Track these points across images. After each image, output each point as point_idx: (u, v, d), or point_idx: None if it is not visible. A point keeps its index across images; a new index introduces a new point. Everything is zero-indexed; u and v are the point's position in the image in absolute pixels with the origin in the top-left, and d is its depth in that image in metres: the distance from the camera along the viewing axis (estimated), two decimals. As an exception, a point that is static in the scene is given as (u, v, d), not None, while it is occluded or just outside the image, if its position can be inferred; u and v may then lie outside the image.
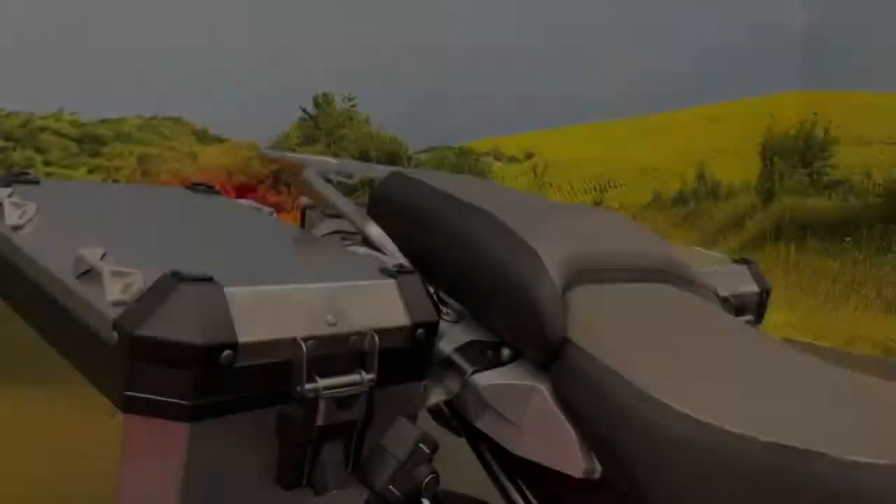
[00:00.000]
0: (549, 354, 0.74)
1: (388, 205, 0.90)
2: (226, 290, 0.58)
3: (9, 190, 0.78)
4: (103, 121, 1.08)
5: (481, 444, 0.81)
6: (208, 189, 0.97)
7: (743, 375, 0.71)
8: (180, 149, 1.17)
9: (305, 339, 0.60)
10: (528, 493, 0.79)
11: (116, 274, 0.59)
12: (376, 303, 0.68)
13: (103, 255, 0.62)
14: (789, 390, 0.68)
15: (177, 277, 0.57)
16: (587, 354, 0.71)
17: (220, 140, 1.20)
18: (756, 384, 0.69)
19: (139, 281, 0.59)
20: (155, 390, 0.55)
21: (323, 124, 1.32)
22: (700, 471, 0.63)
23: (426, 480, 0.69)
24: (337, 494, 0.67)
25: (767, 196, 3.18)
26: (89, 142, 1.08)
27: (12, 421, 0.75)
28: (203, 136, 1.18)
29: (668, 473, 0.65)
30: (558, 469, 0.73)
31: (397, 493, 0.68)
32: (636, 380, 0.68)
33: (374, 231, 0.86)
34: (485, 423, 0.78)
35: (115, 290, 0.58)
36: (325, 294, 0.65)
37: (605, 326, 0.74)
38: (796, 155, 3.20)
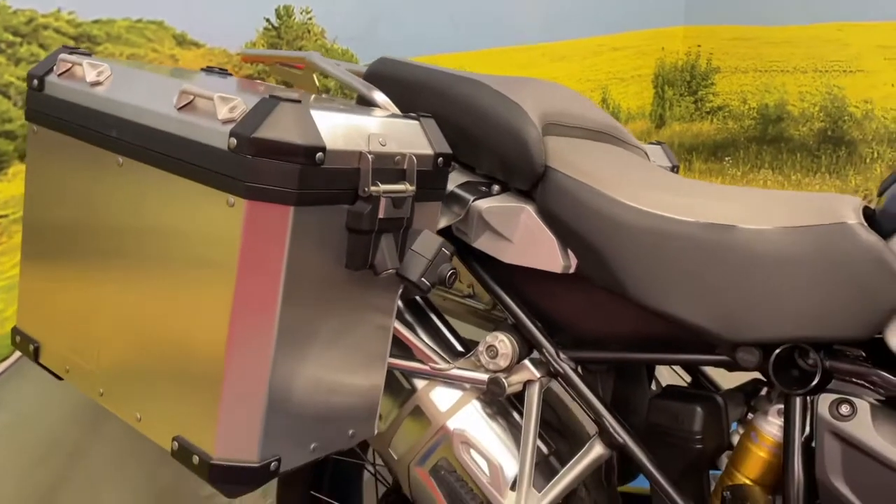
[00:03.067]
0: (534, 182, 0.96)
1: (382, 80, 1.07)
2: (310, 111, 0.76)
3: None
4: (96, 21, 1.12)
5: (477, 264, 1.02)
6: (222, 71, 1.11)
7: (677, 187, 0.96)
8: (162, 51, 1.23)
9: (368, 153, 0.79)
10: (516, 295, 1.01)
11: (222, 99, 0.76)
12: (408, 136, 0.87)
13: (196, 93, 0.78)
14: (710, 194, 0.93)
15: (275, 98, 0.75)
16: (566, 175, 0.94)
17: (196, 45, 1.27)
18: (687, 192, 0.94)
19: (241, 104, 0.76)
20: (269, 181, 0.73)
21: (284, 35, 1.41)
22: (654, 248, 0.87)
23: (448, 274, 0.90)
24: (387, 278, 0.88)
25: (660, 122, 3.54)
26: (86, 41, 1.12)
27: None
28: (182, 41, 1.24)
29: (634, 254, 0.88)
30: (542, 268, 0.96)
31: (427, 283, 0.89)
32: (606, 190, 0.91)
33: (381, 97, 1.04)
34: (482, 242, 0.99)
35: (224, 111, 0.75)
36: (376, 123, 0.83)
37: (577, 158, 0.97)
38: (683, 84, 3.56)
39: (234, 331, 0.78)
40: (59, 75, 0.93)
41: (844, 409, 0.78)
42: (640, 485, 1.24)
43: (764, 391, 0.96)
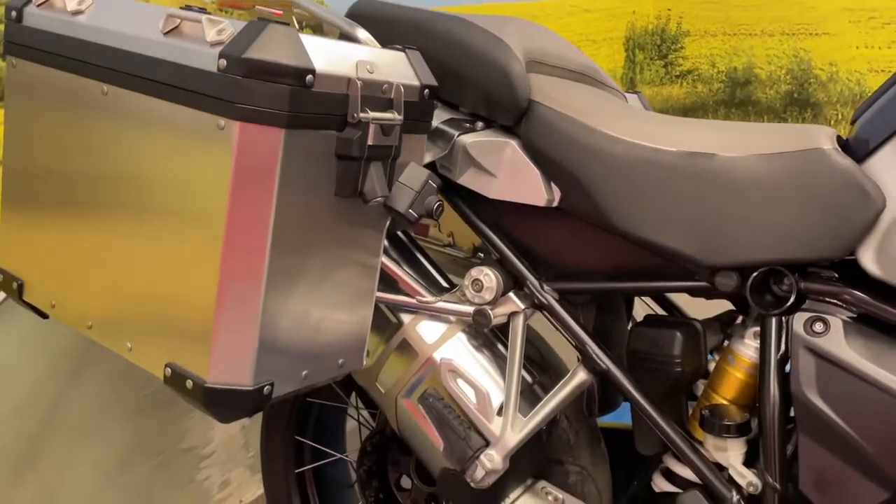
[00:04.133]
0: (518, 116, 0.97)
1: (363, 19, 1.07)
2: (299, 35, 0.76)
3: None
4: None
5: (461, 201, 1.04)
6: (201, 10, 1.10)
7: (658, 121, 0.98)
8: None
9: (357, 79, 0.80)
10: (500, 232, 1.03)
11: (211, 21, 0.75)
12: (394, 66, 0.88)
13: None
14: (690, 126, 0.96)
15: (263, 21, 0.75)
16: (550, 109, 0.95)
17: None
18: (668, 124, 0.96)
19: (230, 27, 0.75)
20: (259, 102, 0.73)
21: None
22: (637, 177, 0.90)
23: (435, 206, 0.91)
24: (374, 211, 0.89)
25: (630, 85, 3.57)
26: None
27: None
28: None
29: (617, 183, 0.91)
30: (526, 202, 0.98)
31: (415, 214, 0.90)
32: (590, 122, 0.93)
33: (364, 34, 1.03)
34: (466, 178, 1.00)
35: (213, 33, 0.75)
36: (363, 51, 0.84)
37: (560, 94, 0.98)
38: (654, 48, 3.59)
39: (226, 255, 0.78)
40: (38, 6, 0.91)
41: (818, 326, 0.82)
42: (619, 419, 1.28)
43: (739, 320, 1.00)
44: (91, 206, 0.90)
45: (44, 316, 1.01)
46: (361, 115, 0.80)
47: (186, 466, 1.66)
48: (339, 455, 1.42)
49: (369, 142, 0.82)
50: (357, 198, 0.84)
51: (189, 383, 0.81)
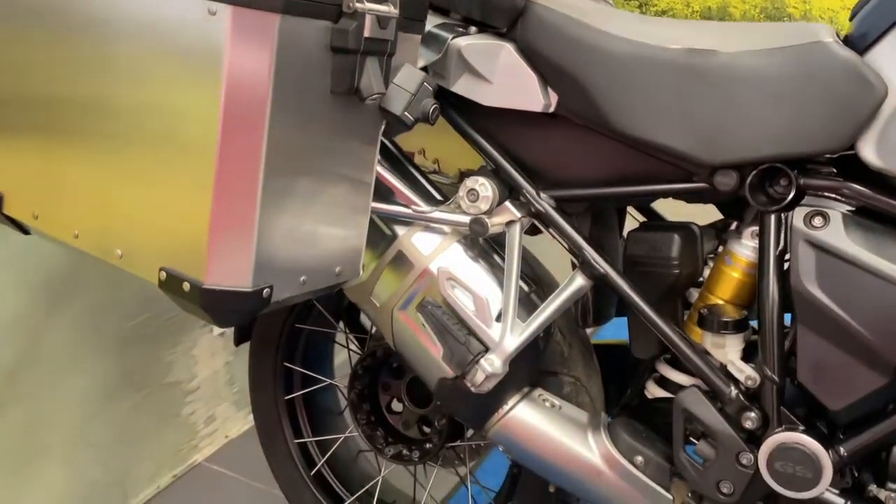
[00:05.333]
0: (514, 18, 0.95)
1: None
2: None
3: None
4: None
5: (455, 112, 1.02)
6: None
7: (657, 22, 0.96)
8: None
9: (352, -32, 0.77)
10: (494, 142, 1.01)
11: None
12: (388, -40, 0.85)
13: None
14: (690, 26, 0.94)
15: None
16: (548, 8, 0.93)
17: None
18: (667, 25, 0.95)
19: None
20: (254, -15, 0.70)
21: None
22: (637, 75, 0.88)
23: (431, 109, 0.89)
24: (370, 113, 0.86)
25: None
26: None
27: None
28: None
29: (617, 82, 0.89)
30: (522, 108, 0.96)
31: (411, 117, 0.88)
32: (589, 21, 0.91)
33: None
34: (460, 85, 0.98)
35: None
36: (357, -60, 0.81)
37: None
38: (629, -13, 3.55)
39: (222, 155, 0.76)
40: None
41: (818, 220, 0.82)
42: (612, 336, 1.29)
43: (734, 226, 1.00)
44: (76, 106, 0.86)
45: (25, 231, 0.98)
46: (357, 4, 0.77)
47: (171, 401, 1.64)
48: (328, 381, 1.42)
49: (365, 34, 0.79)
50: (353, 96, 0.82)
51: (186, 286, 0.79)
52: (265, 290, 0.81)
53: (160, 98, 0.78)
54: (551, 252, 1.20)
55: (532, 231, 1.05)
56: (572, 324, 1.14)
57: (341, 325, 1.41)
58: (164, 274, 0.81)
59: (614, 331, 1.26)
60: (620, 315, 1.18)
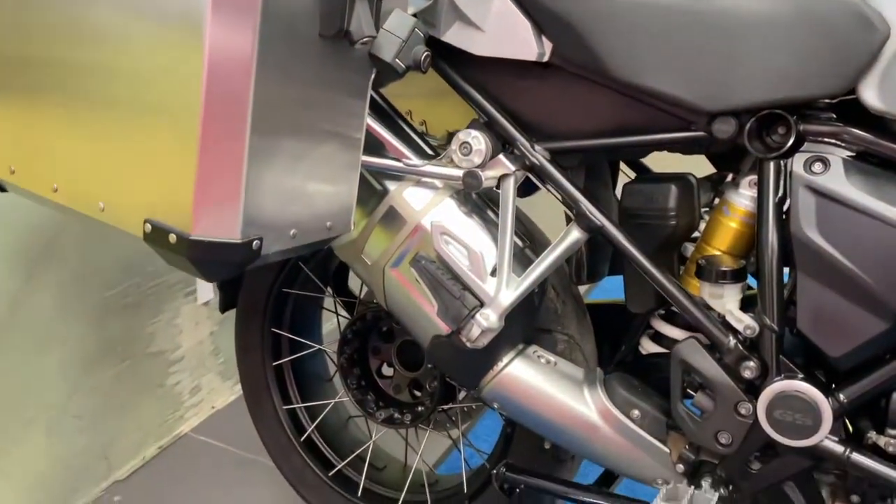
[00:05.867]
0: None
1: None
2: None
3: None
4: None
5: (446, 63, 0.99)
6: None
7: None
8: None
9: None
10: (487, 94, 0.98)
11: None
12: None
13: None
14: None
15: None
16: None
17: None
18: None
19: None
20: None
21: None
22: (634, 20, 0.86)
23: (423, 57, 0.87)
24: (359, 60, 0.83)
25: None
26: None
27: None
28: None
29: (614, 28, 0.86)
30: (515, 57, 0.93)
31: (402, 65, 0.85)
32: None
33: None
34: (451, 34, 0.95)
35: None
36: None
37: None
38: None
39: (207, 101, 0.73)
40: None
41: (817, 166, 0.81)
42: (605, 296, 1.28)
43: (730, 178, 0.99)
44: (55, 70, 0.82)
45: (1, 189, 0.94)
46: (348, -58, 0.74)
47: (155, 371, 1.61)
48: (317, 346, 1.40)
49: (354, -25, 0.76)
50: (342, 41, 0.79)
51: (172, 237, 0.76)
52: (255, 243, 0.78)
53: (144, 48, 0.75)
54: (541, 218, 1.18)
55: (522, 192, 1.03)
56: (566, 281, 1.12)
57: (329, 291, 1.39)
58: (148, 226, 0.78)
59: (606, 294, 1.26)
60: (613, 273, 1.17)
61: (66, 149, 0.83)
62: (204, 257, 0.76)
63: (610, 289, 1.12)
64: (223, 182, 0.75)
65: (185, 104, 0.73)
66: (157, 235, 0.77)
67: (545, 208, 1.19)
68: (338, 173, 0.89)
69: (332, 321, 1.43)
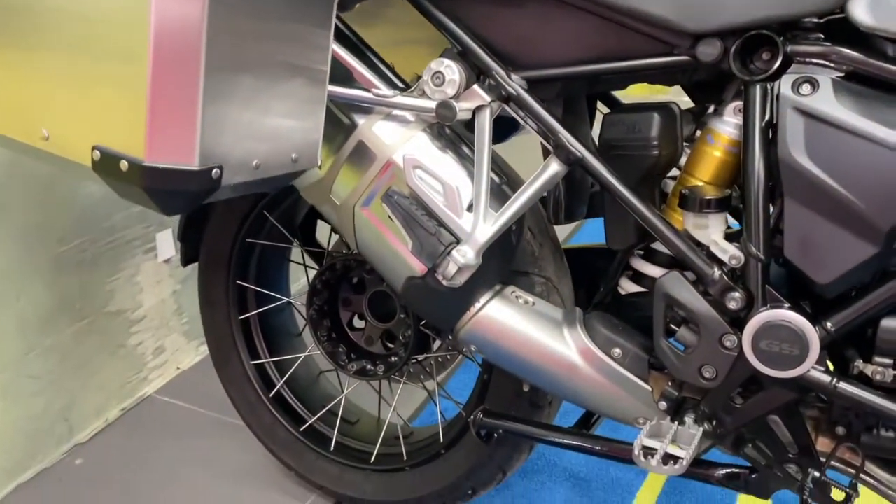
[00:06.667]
0: None
1: None
2: None
3: None
4: None
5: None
6: None
7: None
8: None
9: None
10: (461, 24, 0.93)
11: None
12: None
13: None
14: None
15: None
16: None
17: None
18: None
19: None
20: None
21: None
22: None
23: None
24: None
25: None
26: None
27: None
28: None
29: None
30: None
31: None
32: None
33: None
34: (422, -43, 0.90)
35: None
36: None
37: None
38: None
39: (157, 13, 0.66)
40: None
41: (805, 87, 0.78)
42: (581, 240, 1.25)
43: (711, 109, 0.96)
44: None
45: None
46: None
47: (115, 331, 1.55)
48: (284, 299, 1.34)
49: None
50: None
51: (123, 165, 0.70)
52: (214, 171, 0.73)
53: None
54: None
55: (496, 138, 0.99)
56: (542, 223, 1.09)
57: (296, 242, 1.33)
58: (97, 153, 0.72)
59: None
60: (591, 216, 1.13)
61: (4, 75, 0.76)
62: (159, 186, 0.70)
63: (589, 231, 1.09)
64: (178, 105, 0.70)
65: (134, 21, 0.67)
66: (106, 163, 0.71)
67: (516, 164, 1.15)
68: (303, 106, 0.83)
69: (301, 278, 1.38)
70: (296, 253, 1.37)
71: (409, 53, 1.10)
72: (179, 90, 0.69)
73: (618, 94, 1.11)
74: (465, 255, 0.89)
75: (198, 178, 0.71)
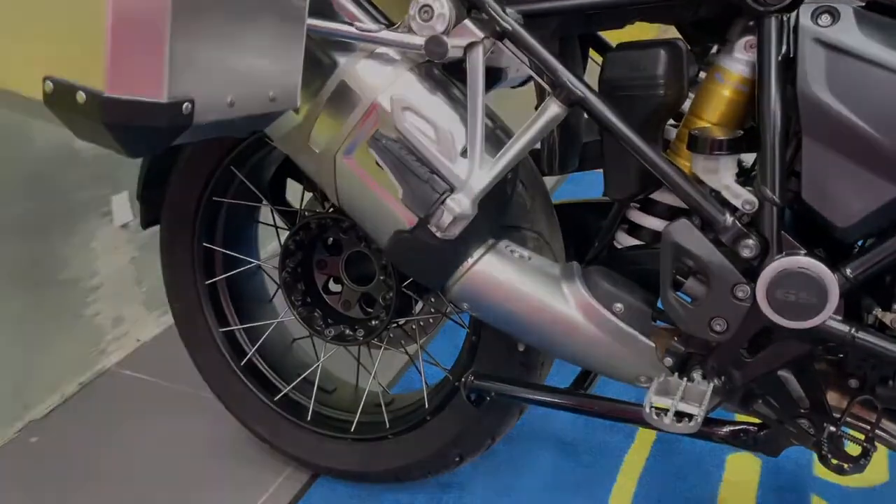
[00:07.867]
0: None
1: None
2: None
3: None
4: None
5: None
6: None
7: None
8: None
9: None
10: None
11: None
12: None
13: None
14: None
15: None
16: None
17: None
18: None
19: None
20: None
21: None
22: None
23: None
24: None
25: None
26: None
27: None
28: None
29: None
30: None
31: None
32: None
33: None
34: None
35: None
36: None
37: None
38: None
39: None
40: None
41: (825, 18, 0.73)
42: (574, 195, 1.20)
43: (714, 49, 0.91)
44: None
45: None
46: None
47: (71, 300, 1.44)
48: (254, 262, 1.26)
49: None
50: None
51: (80, 97, 0.61)
52: (185, 105, 0.64)
53: None
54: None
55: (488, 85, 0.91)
56: (533, 175, 1.03)
57: (266, 202, 1.25)
58: (49, 84, 0.63)
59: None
60: (583, 169, 1.08)
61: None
62: (123, 121, 0.62)
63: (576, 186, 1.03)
64: (143, 28, 0.61)
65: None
66: (61, 96, 0.62)
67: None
68: (280, 40, 0.75)
69: (270, 243, 1.29)
70: (265, 215, 1.29)
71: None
72: (144, 10, 0.60)
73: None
74: (461, 204, 0.82)
75: (167, 113, 0.63)
